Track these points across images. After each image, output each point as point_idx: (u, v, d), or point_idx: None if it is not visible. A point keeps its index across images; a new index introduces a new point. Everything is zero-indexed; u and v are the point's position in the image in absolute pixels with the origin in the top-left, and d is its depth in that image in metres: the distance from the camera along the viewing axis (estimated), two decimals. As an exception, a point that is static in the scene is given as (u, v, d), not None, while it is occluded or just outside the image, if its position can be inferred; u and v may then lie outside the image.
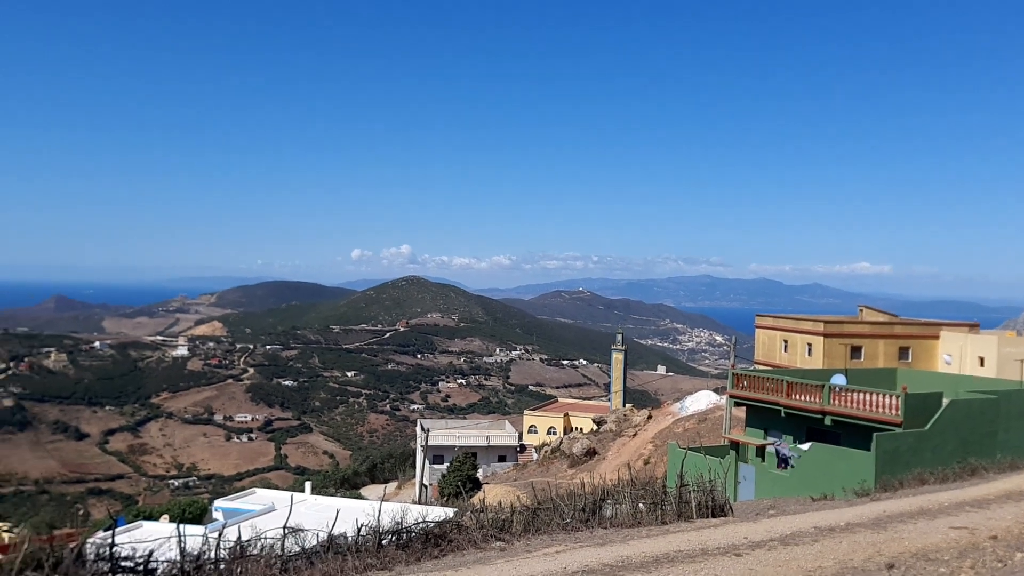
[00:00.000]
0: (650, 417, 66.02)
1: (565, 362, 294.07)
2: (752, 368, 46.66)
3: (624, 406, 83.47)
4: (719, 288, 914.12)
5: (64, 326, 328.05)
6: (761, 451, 34.43)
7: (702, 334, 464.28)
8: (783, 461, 32.81)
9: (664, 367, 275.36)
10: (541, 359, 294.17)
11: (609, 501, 18.41)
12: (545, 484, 32.43)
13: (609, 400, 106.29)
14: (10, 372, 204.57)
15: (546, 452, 68.66)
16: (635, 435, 62.41)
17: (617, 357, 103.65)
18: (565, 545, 14.04)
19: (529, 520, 16.15)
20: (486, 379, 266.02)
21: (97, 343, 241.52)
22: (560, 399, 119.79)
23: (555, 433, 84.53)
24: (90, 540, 13.94)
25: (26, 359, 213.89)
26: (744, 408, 37.46)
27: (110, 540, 13.19)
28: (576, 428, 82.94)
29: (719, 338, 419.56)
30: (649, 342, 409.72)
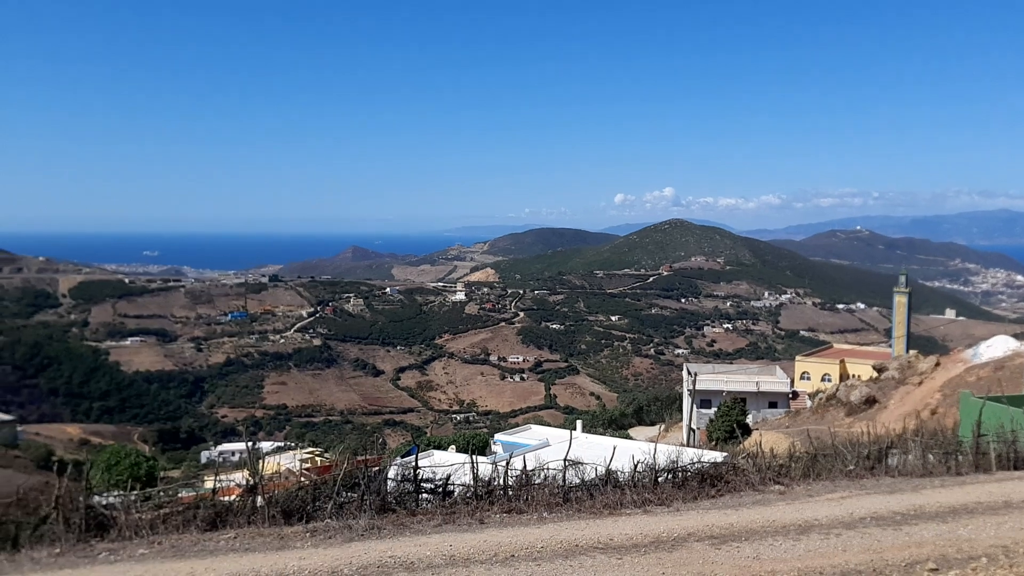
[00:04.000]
0: (938, 364, 60.66)
1: (840, 306, 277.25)
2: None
3: (908, 352, 77.34)
4: (1020, 223, 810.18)
5: (360, 274, 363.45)
6: (1076, 404, 30.62)
7: (998, 275, 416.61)
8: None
9: (953, 311, 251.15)
10: (814, 303, 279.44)
11: (894, 450, 17.54)
12: (821, 432, 31.20)
13: (890, 346, 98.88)
14: (318, 315, 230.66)
15: (820, 399, 65.68)
16: (920, 383, 57.75)
17: (900, 300, 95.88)
18: (849, 492, 13.61)
19: (809, 466, 15.81)
20: (754, 324, 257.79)
21: (388, 289, 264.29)
22: (835, 345, 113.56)
23: (829, 380, 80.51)
24: (394, 464, 15.70)
25: (330, 304, 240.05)
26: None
27: (413, 464, 14.82)
28: (853, 375, 78.32)
29: (1020, 278, 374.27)
30: (936, 284, 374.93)
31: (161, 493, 14.95)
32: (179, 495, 15.84)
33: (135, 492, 14.11)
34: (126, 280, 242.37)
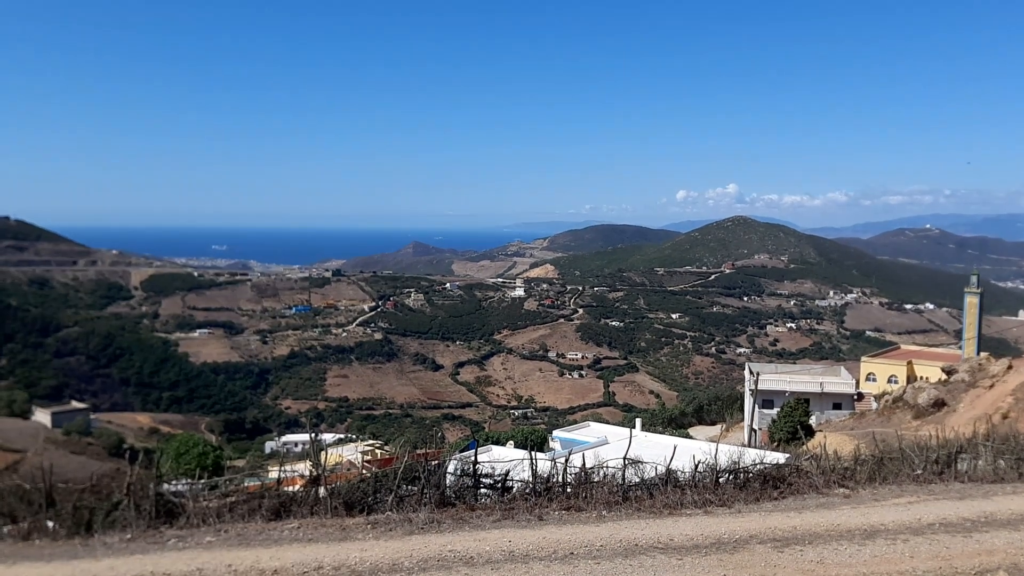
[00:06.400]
0: (1010, 367, 58.54)
1: (908, 306, 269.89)
2: None
3: (978, 354, 74.90)
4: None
5: (420, 269, 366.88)
6: None
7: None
8: None
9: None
10: (880, 303, 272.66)
11: (964, 455, 17.05)
12: (887, 435, 30.45)
13: (960, 348, 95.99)
14: (379, 309, 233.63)
15: (887, 401, 64.00)
16: (992, 387, 55.81)
17: (971, 300, 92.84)
18: (917, 496, 13.28)
19: (875, 469, 15.46)
20: (818, 323, 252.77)
21: (448, 284, 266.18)
22: (902, 346, 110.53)
23: (896, 382, 78.53)
24: (453, 458, 15.82)
25: (391, 298, 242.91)
26: None
27: (473, 459, 14.90)
28: (921, 377, 76.24)
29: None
30: (1009, 285, 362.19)
31: (227, 482, 15.32)
32: (244, 484, 16.20)
33: (202, 480, 14.51)
34: (195, 273, 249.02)
